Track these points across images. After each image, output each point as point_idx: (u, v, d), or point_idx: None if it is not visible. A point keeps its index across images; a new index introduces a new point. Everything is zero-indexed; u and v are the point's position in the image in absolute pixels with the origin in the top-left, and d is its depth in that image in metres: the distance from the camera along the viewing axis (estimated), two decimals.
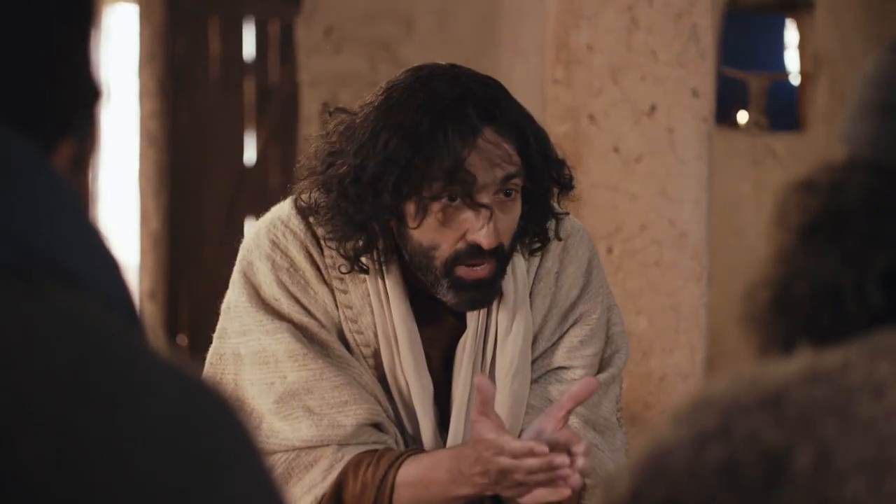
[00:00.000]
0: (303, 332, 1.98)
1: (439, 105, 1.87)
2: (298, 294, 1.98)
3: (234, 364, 2.02)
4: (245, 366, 2.00)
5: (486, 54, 5.55)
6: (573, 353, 2.05)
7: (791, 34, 6.90)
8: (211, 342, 2.08)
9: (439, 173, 1.86)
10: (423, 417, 2.00)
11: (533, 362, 2.06)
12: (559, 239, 2.05)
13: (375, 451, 1.97)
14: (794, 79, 6.83)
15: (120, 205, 6.69)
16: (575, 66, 3.43)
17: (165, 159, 6.93)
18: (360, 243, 1.94)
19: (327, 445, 1.97)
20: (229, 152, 7.06)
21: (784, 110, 6.74)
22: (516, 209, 1.94)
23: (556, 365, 2.05)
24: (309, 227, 2.00)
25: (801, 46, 6.77)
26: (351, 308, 2.00)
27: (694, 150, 3.45)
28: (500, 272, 1.95)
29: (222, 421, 0.75)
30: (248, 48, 7.05)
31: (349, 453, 1.96)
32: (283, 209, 2.03)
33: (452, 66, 1.95)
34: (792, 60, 6.92)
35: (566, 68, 3.44)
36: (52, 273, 0.75)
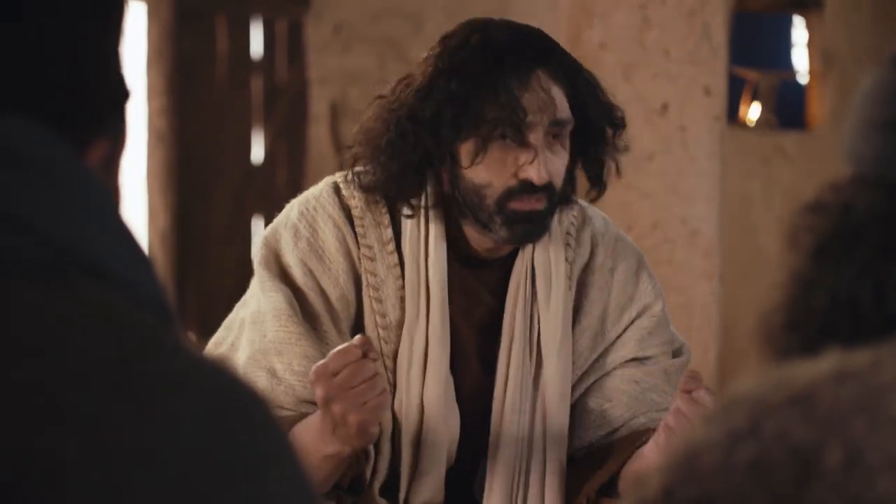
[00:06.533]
0: (301, 300, 2.00)
1: (495, 47, 1.92)
2: (312, 262, 2.01)
3: (238, 329, 2.05)
4: (245, 328, 2.03)
5: None
6: (645, 343, 2.09)
7: (800, 32, 6.88)
8: None
9: (495, 110, 1.90)
10: (432, 380, 2.00)
11: (605, 352, 2.09)
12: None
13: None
14: (803, 77, 6.82)
15: (128, 202, 6.70)
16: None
17: (173, 157, 6.92)
18: (409, 183, 1.98)
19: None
20: (237, 150, 7.05)
21: (793, 109, 6.73)
22: (565, 153, 1.98)
23: (630, 356, 2.09)
24: (341, 202, 2.04)
25: (810, 45, 6.76)
26: (375, 276, 2.02)
27: (706, 148, 3.45)
28: (549, 210, 1.98)
29: (256, 420, 0.75)
30: (256, 46, 7.04)
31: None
32: (318, 187, 2.08)
33: (504, 18, 2.01)
34: (801, 59, 6.91)
35: None
36: (86, 271, 0.75)
